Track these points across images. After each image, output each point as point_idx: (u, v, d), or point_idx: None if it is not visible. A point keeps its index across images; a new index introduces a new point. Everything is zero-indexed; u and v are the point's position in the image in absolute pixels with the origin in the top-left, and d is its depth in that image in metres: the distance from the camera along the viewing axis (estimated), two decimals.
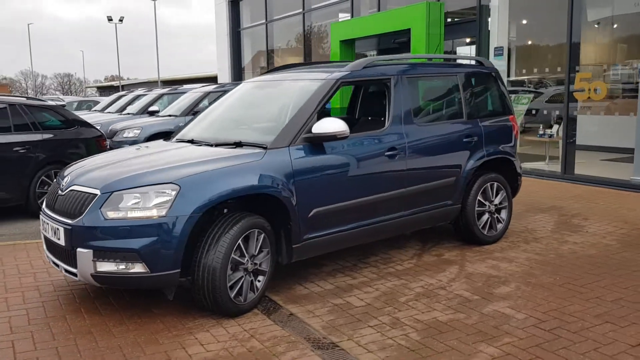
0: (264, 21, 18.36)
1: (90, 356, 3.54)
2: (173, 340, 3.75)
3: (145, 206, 3.85)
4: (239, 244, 4.06)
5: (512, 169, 6.09)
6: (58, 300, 4.50)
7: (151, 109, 12.50)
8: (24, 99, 8.23)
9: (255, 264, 4.22)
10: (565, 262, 5.24)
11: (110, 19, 50.60)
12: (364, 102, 6.41)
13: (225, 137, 4.75)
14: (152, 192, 3.89)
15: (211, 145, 4.67)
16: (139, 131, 11.00)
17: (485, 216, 5.81)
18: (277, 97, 5.44)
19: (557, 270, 5.01)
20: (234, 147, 4.52)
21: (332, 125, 4.48)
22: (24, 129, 7.62)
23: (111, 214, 3.86)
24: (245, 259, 4.14)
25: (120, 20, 51.91)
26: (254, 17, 19.25)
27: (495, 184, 5.86)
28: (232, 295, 4.05)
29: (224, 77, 20.41)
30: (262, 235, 4.25)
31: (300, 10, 16.35)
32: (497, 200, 5.89)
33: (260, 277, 4.31)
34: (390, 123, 5.12)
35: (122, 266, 3.84)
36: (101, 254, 3.85)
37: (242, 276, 4.14)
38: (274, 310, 4.27)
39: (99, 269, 3.89)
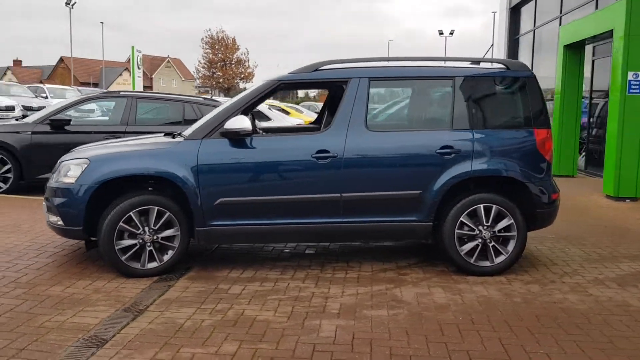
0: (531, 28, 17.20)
1: None
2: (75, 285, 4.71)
3: (67, 175, 4.88)
4: (130, 215, 4.73)
5: (527, 193, 5.05)
6: None
7: None
8: None
9: (157, 237, 4.82)
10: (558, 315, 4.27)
11: (441, 33, 54.06)
12: (332, 104, 6.03)
13: (188, 130, 5.40)
14: (73, 164, 4.89)
15: (165, 135, 5.39)
16: None
17: (474, 242, 5.01)
18: None
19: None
20: (172, 137, 5.17)
21: (235, 122, 4.76)
22: None
23: (54, 178, 5.01)
24: (140, 230, 4.78)
25: None
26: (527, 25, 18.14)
27: (495, 207, 4.98)
28: (124, 258, 4.76)
29: None
30: (167, 214, 4.82)
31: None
32: (498, 227, 5.00)
33: (170, 252, 4.89)
34: (332, 126, 4.99)
35: (54, 218, 4.97)
36: (48, 207, 5.05)
37: (137, 244, 4.79)
38: (165, 279, 4.79)
39: (48, 219, 5.10)
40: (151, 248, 4.83)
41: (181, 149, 4.88)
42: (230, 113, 4.93)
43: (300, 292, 4.56)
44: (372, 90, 5.07)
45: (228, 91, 51.85)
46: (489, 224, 4.99)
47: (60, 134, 8.52)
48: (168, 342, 3.57)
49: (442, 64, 5.43)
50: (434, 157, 4.96)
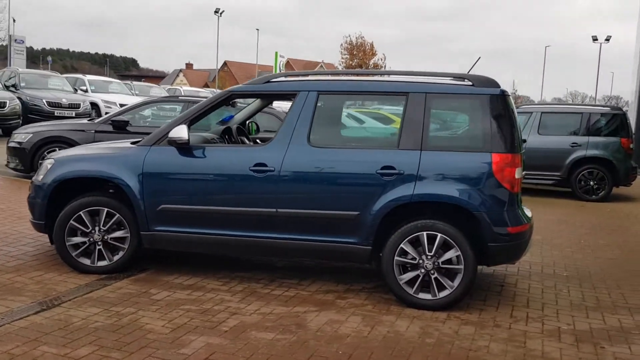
0: None
1: None
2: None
3: (39, 173, 5.31)
4: (80, 215, 5.03)
5: (477, 223, 4.52)
6: None
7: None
8: None
9: (107, 237, 5.07)
10: None
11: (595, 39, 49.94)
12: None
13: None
14: (46, 164, 5.30)
15: (133, 142, 5.62)
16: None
17: (415, 272, 4.61)
18: None
19: None
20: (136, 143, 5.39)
21: (175, 132, 4.86)
22: None
23: (36, 176, 5.48)
24: (90, 230, 5.05)
25: None
26: None
27: (440, 236, 4.54)
28: (74, 254, 5.07)
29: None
30: (117, 216, 5.05)
31: None
32: (443, 258, 4.56)
33: (120, 252, 5.12)
34: (274, 140, 4.87)
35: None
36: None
37: (86, 243, 5.06)
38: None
39: None
40: (100, 247, 5.08)
41: (132, 155, 5.08)
42: (179, 122, 5.04)
43: (216, 305, 4.53)
44: (325, 104, 4.88)
45: None
46: (432, 253, 4.57)
47: (121, 133, 9.22)
48: (37, 339, 3.75)
49: (398, 78, 5.06)
50: (374, 178, 4.65)
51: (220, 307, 4.50)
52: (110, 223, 5.05)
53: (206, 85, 75.43)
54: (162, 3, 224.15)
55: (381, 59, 55.47)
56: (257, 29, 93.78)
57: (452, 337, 4.13)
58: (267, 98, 5.81)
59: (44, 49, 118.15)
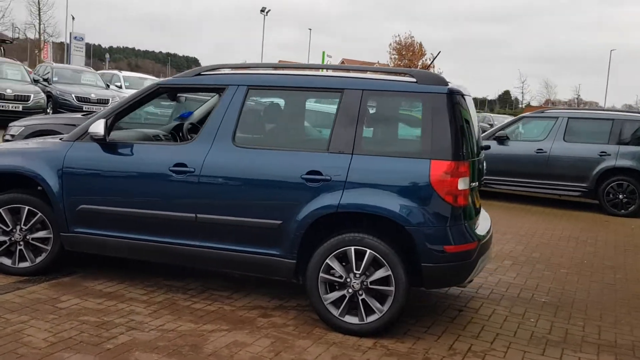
0: None
1: None
2: None
3: None
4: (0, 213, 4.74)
5: (410, 240, 3.93)
6: None
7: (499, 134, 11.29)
8: None
9: (27, 237, 4.75)
10: None
11: None
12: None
13: None
14: None
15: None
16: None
17: (341, 292, 4.07)
18: None
19: None
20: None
21: (93, 126, 4.50)
22: None
23: None
24: (10, 229, 4.75)
25: None
26: None
27: (369, 252, 3.99)
28: None
29: None
30: (39, 215, 4.73)
31: None
32: (372, 278, 4.00)
33: (44, 253, 4.80)
34: (198, 137, 4.43)
35: None
36: None
37: (6, 242, 4.76)
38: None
39: None
40: (22, 247, 4.78)
41: (54, 151, 4.75)
42: (100, 116, 4.67)
43: (120, 317, 4.12)
44: (253, 100, 4.41)
45: None
46: (360, 271, 4.02)
47: None
48: None
49: (335, 73, 4.51)
50: (298, 184, 4.13)
51: (123, 319, 4.10)
52: (32, 222, 4.74)
53: None
54: (228, 3, 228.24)
55: (429, 59, 54.06)
56: (310, 29, 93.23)
57: None
58: (197, 92, 5.38)
59: (110, 47, 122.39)
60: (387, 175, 4.02)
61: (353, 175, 4.05)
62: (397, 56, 50.46)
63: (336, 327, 4.09)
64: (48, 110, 16.41)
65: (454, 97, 4.08)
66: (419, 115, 4.13)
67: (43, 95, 15.88)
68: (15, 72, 16.77)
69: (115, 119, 4.69)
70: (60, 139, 4.96)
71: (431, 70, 51.92)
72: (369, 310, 4.01)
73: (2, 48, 29.87)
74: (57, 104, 16.90)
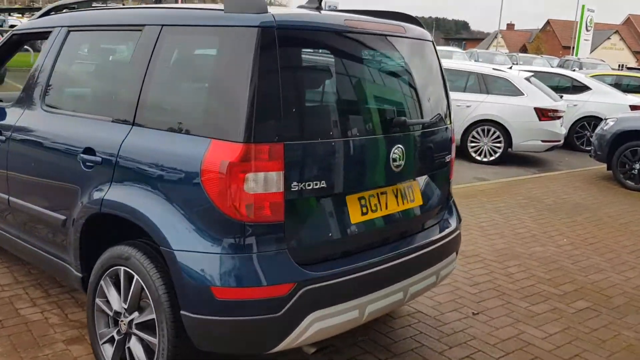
0: None
1: None
2: None
3: None
4: None
5: (172, 269, 2.39)
6: None
7: None
8: None
9: None
10: None
11: None
12: None
13: None
14: None
15: None
16: None
17: (113, 331, 2.81)
18: None
19: None
20: None
21: None
22: None
23: None
24: None
25: None
26: None
27: (136, 278, 2.61)
28: None
29: None
30: None
31: None
32: (141, 318, 2.64)
33: None
34: (18, 98, 3.49)
35: None
36: None
37: None
38: None
39: None
40: None
41: None
42: None
43: None
44: (73, 47, 3.25)
45: None
46: (126, 305, 2.67)
47: None
48: None
49: (143, 5, 3.06)
50: (76, 165, 2.91)
51: None
52: None
53: (524, 48, 69.66)
54: None
55: None
56: None
57: None
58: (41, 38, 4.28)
59: None
60: (160, 161, 2.56)
61: (124, 159, 2.67)
62: None
63: None
64: None
65: (272, 35, 2.35)
66: (215, 64, 2.52)
67: None
68: None
69: None
70: None
71: None
72: None
73: None
74: None
